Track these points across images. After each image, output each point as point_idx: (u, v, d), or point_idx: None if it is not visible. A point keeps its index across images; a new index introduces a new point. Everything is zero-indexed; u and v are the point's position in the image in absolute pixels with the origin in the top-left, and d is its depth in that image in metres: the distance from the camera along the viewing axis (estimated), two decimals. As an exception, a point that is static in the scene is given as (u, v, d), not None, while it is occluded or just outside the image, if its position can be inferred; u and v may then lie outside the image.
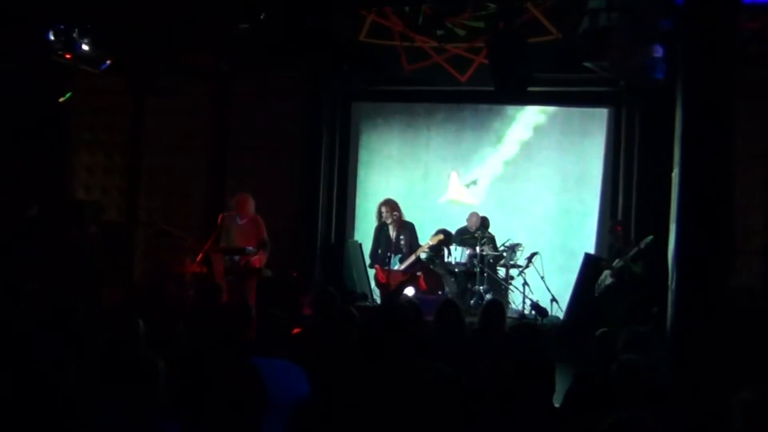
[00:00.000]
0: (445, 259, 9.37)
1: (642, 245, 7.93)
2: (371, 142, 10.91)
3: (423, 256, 9.15)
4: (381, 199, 9.41)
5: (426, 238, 9.25)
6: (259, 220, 8.11)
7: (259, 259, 7.94)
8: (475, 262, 9.30)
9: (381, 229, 9.23)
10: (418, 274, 9.05)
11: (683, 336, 5.13)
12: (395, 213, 9.11)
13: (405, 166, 10.83)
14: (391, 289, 8.77)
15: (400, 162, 10.85)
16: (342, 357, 4.58)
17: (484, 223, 9.88)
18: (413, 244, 9.15)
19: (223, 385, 3.46)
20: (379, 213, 9.17)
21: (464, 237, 9.64)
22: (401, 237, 9.12)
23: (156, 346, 4.30)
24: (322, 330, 5.20)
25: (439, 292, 9.03)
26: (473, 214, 9.83)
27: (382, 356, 4.32)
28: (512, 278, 9.51)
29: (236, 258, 7.89)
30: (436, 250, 9.36)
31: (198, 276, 7.82)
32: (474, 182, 10.64)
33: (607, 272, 8.35)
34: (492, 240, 9.66)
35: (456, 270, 9.44)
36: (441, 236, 9.24)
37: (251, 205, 8.05)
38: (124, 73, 9.58)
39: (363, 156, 10.85)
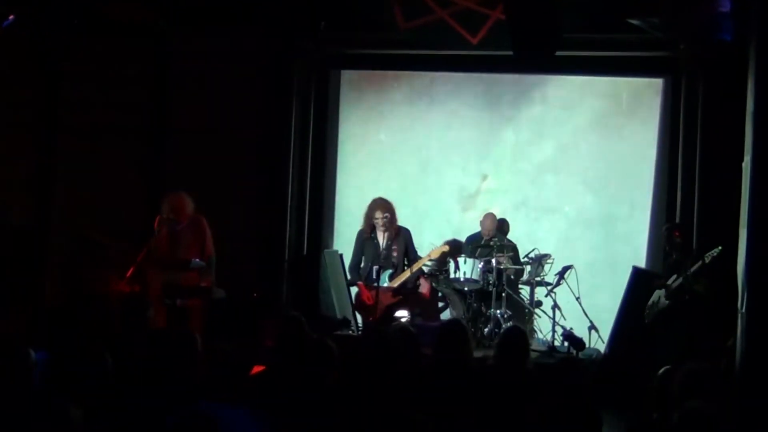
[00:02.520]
0: (452, 275, 9.38)
1: (707, 259, 7.94)
2: (356, 123, 10.91)
3: (423, 270, 9.16)
4: (368, 198, 9.40)
5: (426, 250, 9.25)
6: (202, 222, 8.13)
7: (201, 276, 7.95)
8: (491, 278, 9.30)
9: (367, 237, 9.22)
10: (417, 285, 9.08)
11: (758, 374, 5.15)
12: (386, 215, 9.11)
13: (399, 154, 10.83)
14: (377, 313, 8.77)
15: (392, 149, 10.85)
16: (314, 404, 4.58)
17: (502, 227, 9.89)
18: (409, 256, 9.14)
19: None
20: (369, 216, 9.16)
21: (476, 246, 9.64)
22: (393, 246, 9.12)
23: (70, 388, 4.30)
24: (288, 369, 5.20)
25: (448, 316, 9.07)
26: (488, 216, 9.84)
27: (364, 404, 4.33)
28: (539, 300, 9.53)
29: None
30: (440, 264, 9.36)
31: (128, 297, 7.80)
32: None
33: (661, 292, 8.36)
34: (513, 250, 9.67)
35: (465, 289, 9.45)
36: (446, 247, 9.24)
37: (189, 206, 8.05)
38: (32, 32, 9.53)
39: (345, 141, 10.85)
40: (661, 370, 5.11)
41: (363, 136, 10.90)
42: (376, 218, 9.11)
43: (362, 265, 9.26)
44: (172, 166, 9.80)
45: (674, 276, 8.27)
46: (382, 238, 9.17)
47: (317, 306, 9.57)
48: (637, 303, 8.70)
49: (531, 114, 10.56)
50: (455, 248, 9.56)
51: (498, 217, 9.90)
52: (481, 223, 9.82)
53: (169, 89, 9.93)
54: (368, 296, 9.00)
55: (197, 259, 7.89)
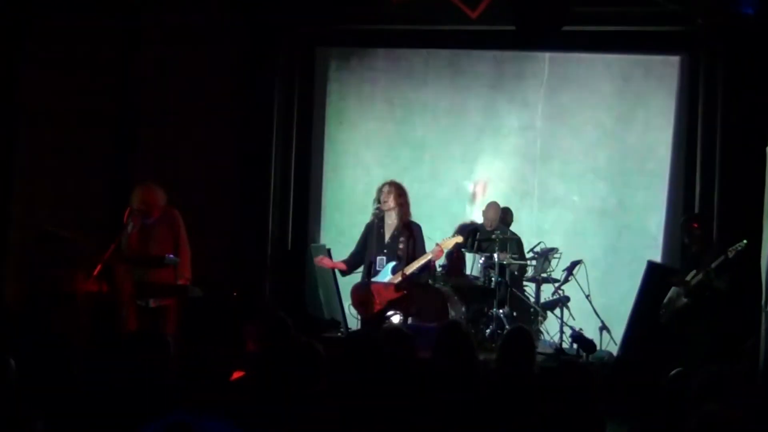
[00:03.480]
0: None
1: (730, 253, 7.92)
2: (345, 106, 10.89)
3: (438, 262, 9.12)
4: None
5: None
6: (176, 214, 8.12)
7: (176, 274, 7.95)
8: (493, 274, 9.31)
9: (373, 226, 9.14)
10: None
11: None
12: (401, 201, 9.02)
13: (393, 138, 10.82)
14: (375, 309, 8.75)
15: (385, 133, 10.84)
16: (300, 413, 4.58)
17: (505, 218, 9.88)
18: (416, 253, 9.07)
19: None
20: (378, 197, 9.06)
21: (478, 239, 9.62)
22: (401, 239, 9.02)
23: (36, 396, 4.30)
24: (271, 374, 5.20)
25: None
26: (491, 206, 9.83)
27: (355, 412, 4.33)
28: (548, 299, 9.54)
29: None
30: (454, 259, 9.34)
31: (96, 297, 7.80)
32: None
33: (679, 289, 8.37)
34: (517, 243, 9.66)
35: (466, 286, 9.45)
36: (459, 238, 9.16)
37: (160, 197, 8.05)
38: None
39: (333, 125, 10.84)
40: (672, 373, 5.12)
41: (353, 120, 10.88)
42: (383, 194, 8.97)
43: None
44: (142, 155, 9.77)
45: (693, 272, 8.26)
46: (388, 228, 9.06)
47: (303, 306, 9.56)
48: (653, 301, 8.69)
49: (535, 95, 10.54)
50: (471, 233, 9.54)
51: (502, 205, 9.90)
52: (484, 213, 9.82)
53: (140, 72, 9.88)
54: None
55: (171, 255, 7.87)
